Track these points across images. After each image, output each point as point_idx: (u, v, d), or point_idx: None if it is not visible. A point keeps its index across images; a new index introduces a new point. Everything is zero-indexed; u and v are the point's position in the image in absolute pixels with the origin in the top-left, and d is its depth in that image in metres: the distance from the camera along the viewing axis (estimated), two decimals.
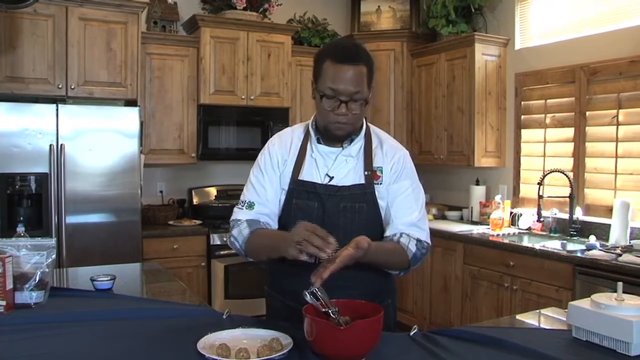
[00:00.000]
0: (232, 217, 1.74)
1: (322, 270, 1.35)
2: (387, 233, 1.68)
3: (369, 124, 1.77)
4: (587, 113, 3.66)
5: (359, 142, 1.71)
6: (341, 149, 1.69)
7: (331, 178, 1.68)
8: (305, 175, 1.69)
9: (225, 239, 4.05)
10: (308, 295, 1.32)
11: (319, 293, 1.32)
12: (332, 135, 1.66)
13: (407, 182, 1.72)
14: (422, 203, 1.74)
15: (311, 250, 1.36)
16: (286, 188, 1.70)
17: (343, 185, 1.66)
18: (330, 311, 1.33)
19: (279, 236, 1.57)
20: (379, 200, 1.68)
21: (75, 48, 3.65)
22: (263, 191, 1.71)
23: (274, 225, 1.72)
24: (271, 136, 1.84)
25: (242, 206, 1.72)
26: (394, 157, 1.72)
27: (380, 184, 1.69)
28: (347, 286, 1.53)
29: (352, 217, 1.65)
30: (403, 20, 4.96)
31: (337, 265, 1.36)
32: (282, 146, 1.75)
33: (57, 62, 3.61)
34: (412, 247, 1.64)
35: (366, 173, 1.68)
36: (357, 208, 1.65)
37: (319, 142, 1.71)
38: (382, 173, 1.69)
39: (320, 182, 1.68)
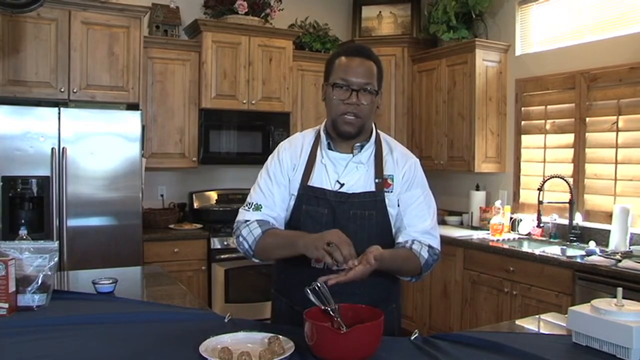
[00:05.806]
0: (239, 218, 1.71)
1: (331, 277, 1.39)
2: (400, 240, 1.69)
3: (378, 130, 1.76)
4: (587, 119, 3.67)
5: (369, 149, 1.70)
6: (351, 155, 1.68)
7: (342, 185, 1.66)
8: (315, 181, 1.68)
9: (226, 242, 4.06)
10: (309, 292, 1.34)
11: (321, 289, 1.35)
12: (340, 130, 1.64)
13: (419, 190, 1.73)
14: (433, 211, 1.76)
15: (337, 257, 1.39)
16: (295, 193, 1.69)
17: (353, 193, 1.65)
18: (330, 309, 1.34)
19: (297, 234, 1.56)
20: (389, 208, 1.68)
21: (78, 52, 3.67)
22: (270, 195, 1.70)
23: (282, 228, 1.71)
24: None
25: (249, 208, 1.70)
26: (405, 165, 1.72)
27: (391, 192, 1.68)
28: (355, 293, 1.53)
29: (362, 224, 1.64)
30: (404, 26, 4.98)
31: (346, 278, 1.39)
32: (292, 151, 1.74)
33: (60, 66, 3.62)
34: (425, 254, 1.66)
35: (377, 181, 1.67)
36: (367, 215, 1.65)
37: (329, 148, 1.70)
38: (393, 181, 1.69)
39: (330, 188, 1.66)
